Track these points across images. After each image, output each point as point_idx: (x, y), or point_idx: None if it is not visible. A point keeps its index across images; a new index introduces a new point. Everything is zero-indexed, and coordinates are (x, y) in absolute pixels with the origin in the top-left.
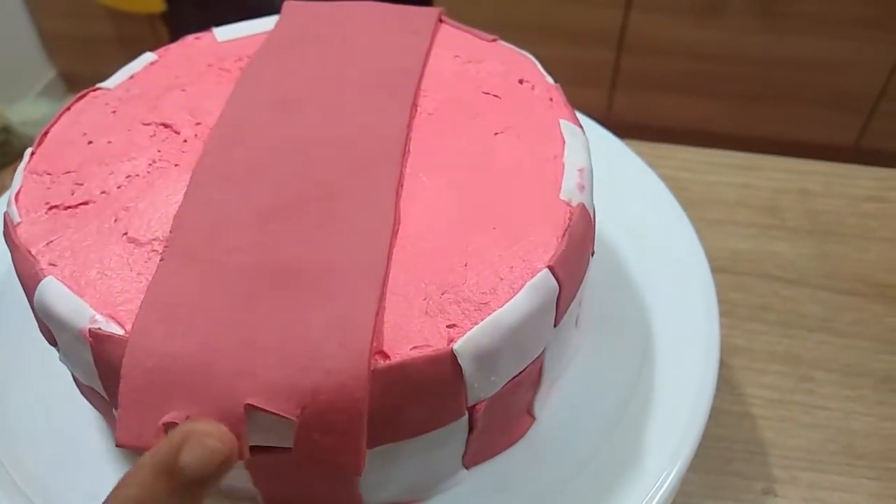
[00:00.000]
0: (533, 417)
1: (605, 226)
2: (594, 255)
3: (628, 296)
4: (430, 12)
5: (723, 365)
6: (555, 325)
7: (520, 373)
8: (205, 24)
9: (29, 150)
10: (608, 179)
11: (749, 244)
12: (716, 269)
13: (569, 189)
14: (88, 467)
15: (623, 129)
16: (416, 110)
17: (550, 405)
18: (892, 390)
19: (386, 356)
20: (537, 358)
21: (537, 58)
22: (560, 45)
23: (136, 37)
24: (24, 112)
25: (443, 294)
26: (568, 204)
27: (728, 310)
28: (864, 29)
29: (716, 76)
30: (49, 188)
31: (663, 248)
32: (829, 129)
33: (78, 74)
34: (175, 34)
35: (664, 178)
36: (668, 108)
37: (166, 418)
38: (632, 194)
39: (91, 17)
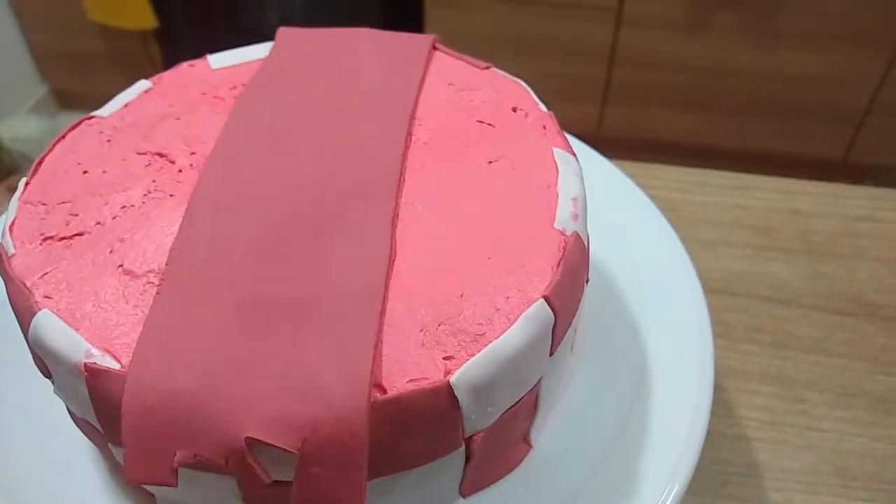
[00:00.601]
0: (529, 445)
1: (597, 250)
2: (588, 282)
3: (622, 320)
4: (423, 39)
5: (718, 387)
6: (550, 354)
7: (516, 402)
8: (197, 42)
9: (23, 180)
10: (599, 203)
11: (743, 265)
12: (710, 290)
13: (563, 218)
14: (82, 499)
15: (614, 143)
16: (410, 139)
17: (546, 432)
18: (885, 411)
19: (383, 389)
20: (534, 387)
21: (530, 74)
22: (552, 60)
23: (128, 53)
24: (14, 128)
25: (439, 325)
26: (562, 233)
27: (722, 331)
28: (851, 45)
29: (705, 91)
30: (44, 219)
31: (656, 271)
32: (817, 143)
33: (70, 91)
34: (167, 51)
35: (657, 198)
36: (658, 122)
37: (177, 459)
38: (623, 217)
39: (83, 33)
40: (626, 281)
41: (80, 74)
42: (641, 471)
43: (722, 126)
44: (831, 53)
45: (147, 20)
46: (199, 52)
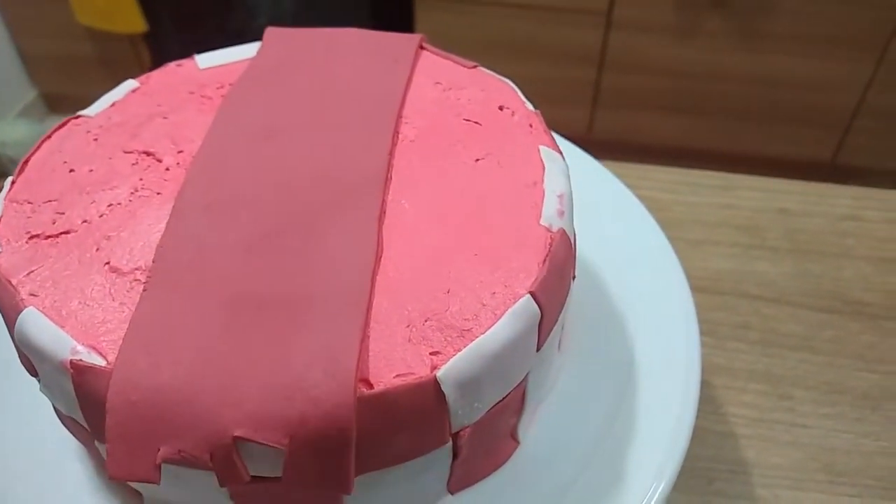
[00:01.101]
0: (517, 441)
1: (586, 248)
2: (575, 279)
3: (609, 318)
4: (410, 39)
5: (705, 384)
6: (537, 350)
7: (503, 398)
8: (186, 45)
9: (9, 179)
10: (588, 202)
11: (730, 264)
12: (698, 288)
13: (549, 215)
14: (68, 497)
15: (604, 146)
16: (397, 137)
17: (534, 429)
18: (870, 407)
19: (369, 384)
20: (520, 383)
21: (520, 77)
22: (542, 64)
23: (117, 57)
24: (3, 132)
25: (426, 321)
26: (548, 229)
27: (709, 329)
28: (839, 48)
29: (695, 94)
30: (30, 217)
31: (643, 269)
32: (805, 146)
33: (59, 95)
34: (157, 55)
35: (645, 199)
36: (648, 125)
37: (160, 455)
38: (611, 216)
39: (73, 37)
40: (614, 279)
41: (69, 78)
42: (628, 468)
43: (711, 129)
44: (818, 57)
45: (136, 24)
46: (188, 55)
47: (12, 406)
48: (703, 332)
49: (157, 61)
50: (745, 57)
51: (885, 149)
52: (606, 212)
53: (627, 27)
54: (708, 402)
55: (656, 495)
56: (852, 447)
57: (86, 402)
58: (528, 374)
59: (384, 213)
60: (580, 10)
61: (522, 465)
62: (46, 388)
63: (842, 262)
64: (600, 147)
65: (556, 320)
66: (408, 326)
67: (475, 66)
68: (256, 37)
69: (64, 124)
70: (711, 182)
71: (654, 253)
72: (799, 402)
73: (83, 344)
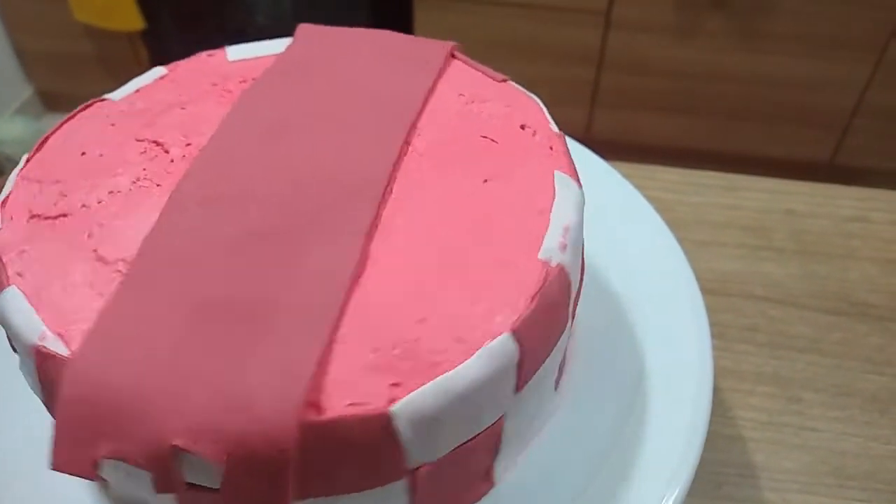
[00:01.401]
0: (492, 482)
1: (594, 250)
2: (583, 283)
3: (618, 323)
4: (442, 46)
5: (714, 388)
6: (516, 392)
7: (470, 439)
8: (185, 44)
9: (26, 156)
10: (596, 204)
11: (737, 265)
12: (705, 290)
13: (549, 247)
14: (71, 499)
15: (603, 146)
16: (406, 148)
17: (542, 437)
18: (879, 410)
19: (320, 409)
20: (493, 425)
21: (518, 77)
22: (541, 63)
23: (115, 55)
24: None
25: (393, 349)
26: (546, 263)
27: (718, 331)
28: (839, 48)
29: (694, 94)
30: (35, 196)
31: (653, 272)
32: (804, 146)
33: (56, 92)
34: (155, 53)
35: (650, 199)
36: (647, 125)
37: (99, 452)
38: (620, 218)
39: (70, 35)
40: (623, 283)
41: (66, 76)
42: (640, 474)
43: (710, 129)
44: (819, 56)
45: (134, 21)
46: (186, 53)
47: (11, 404)
48: (711, 335)
49: (155, 59)
50: (744, 57)
51: (884, 149)
52: (615, 214)
53: (627, 27)
54: (716, 405)
55: (670, 502)
56: (862, 451)
57: (46, 389)
58: (503, 416)
59: (375, 227)
60: (579, 10)
61: (532, 469)
62: (23, 368)
63: (847, 263)
64: (599, 147)
65: (543, 362)
66: (374, 352)
67: (505, 80)
68: (254, 35)
69: (88, 106)
70: (715, 182)
71: (663, 256)
72: (808, 405)
73: (53, 331)
